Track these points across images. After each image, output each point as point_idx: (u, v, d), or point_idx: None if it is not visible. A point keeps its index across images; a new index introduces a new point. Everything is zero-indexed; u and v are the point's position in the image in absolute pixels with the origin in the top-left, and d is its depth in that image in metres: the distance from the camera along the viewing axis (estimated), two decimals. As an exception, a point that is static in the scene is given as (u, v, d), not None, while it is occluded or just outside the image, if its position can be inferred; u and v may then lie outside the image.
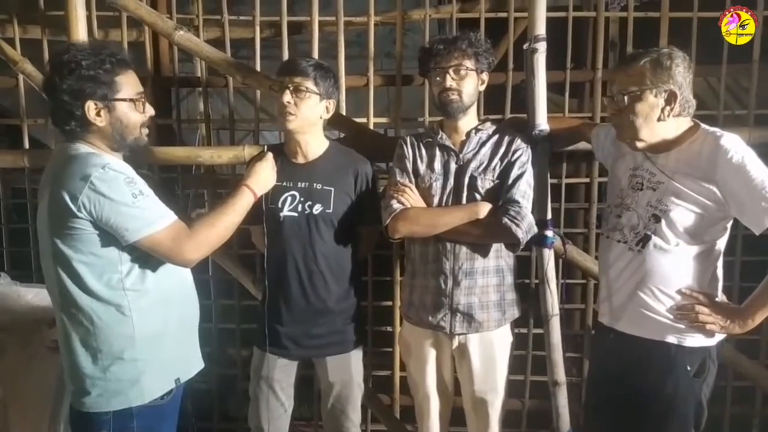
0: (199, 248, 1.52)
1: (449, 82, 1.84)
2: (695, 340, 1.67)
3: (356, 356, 2.02)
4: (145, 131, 1.57)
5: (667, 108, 1.60)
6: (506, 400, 2.01)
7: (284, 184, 1.90)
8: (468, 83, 1.86)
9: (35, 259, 2.61)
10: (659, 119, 1.61)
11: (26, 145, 2.60)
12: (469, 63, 1.85)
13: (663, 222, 1.64)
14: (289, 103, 1.83)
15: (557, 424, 2.35)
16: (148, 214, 1.45)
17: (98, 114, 1.47)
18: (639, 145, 1.66)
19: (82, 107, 1.45)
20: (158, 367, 1.55)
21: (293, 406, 2.06)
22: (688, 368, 1.67)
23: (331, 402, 2.02)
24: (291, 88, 1.84)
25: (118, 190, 1.41)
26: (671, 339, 1.67)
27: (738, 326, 1.62)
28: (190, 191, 2.72)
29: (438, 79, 1.87)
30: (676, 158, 1.64)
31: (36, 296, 2.12)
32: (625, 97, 1.61)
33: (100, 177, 1.40)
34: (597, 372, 1.95)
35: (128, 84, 1.51)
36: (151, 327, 1.53)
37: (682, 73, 1.59)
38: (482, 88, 1.94)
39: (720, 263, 1.70)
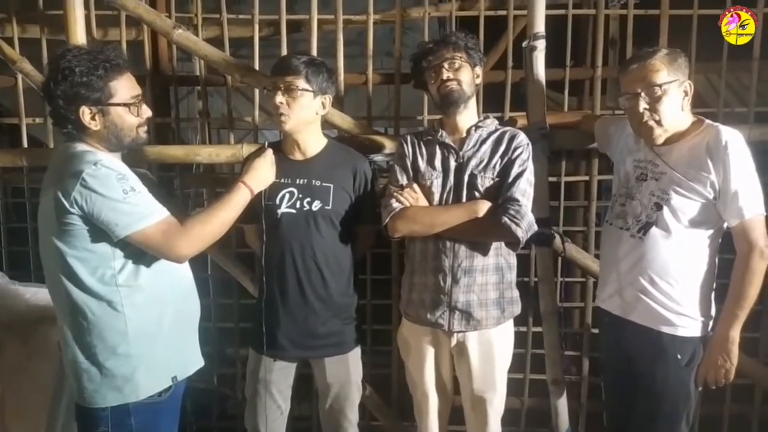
0: (191, 244, 1.52)
1: (446, 74, 1.84)
2: (687, 331, 1.74)
3: (354, 357, 2.01)
4: (144, 131, 1.58)
5: (686, 99, 1.70)
6: (506, 398, 2.00)
7: (282, 180, 1.88)
8: (464, 73, 1.86)
9: (33, 259, 2.61)
10: (682, 109, 1.71)
11: (25, 144, 2.60)
12: (461, 55, 1.86)
13: (664, 210, 1.71)
14: (281, 103, 1.81)
15: (556, 422, 2.35)
16: (139, 210, 1.46)
17: (92, 118, 1.49)
18: (663, 138, 1.72)
19: (77, 112, 1.47)
20: (153, 363, 1.55)
21: (291, 406, 2.05)
22: (679, 357, 1.74)
23: (329, 402, 2.01)
24: (282, 88, 1.82)
25: (110, 186, 1.43)
26: (665, 329, 1.74)
27: (729, 354, 1.69)
28: (190, 190, 2.71)
29: (434, 75, 1.87)
30: (679, 149, 1.72)
31: (34, 295, 2.13)
32: (656, 89, 1.66)
33: (92, 173, 1.42)
34: (603, 354, 2.06)
35: (123, 88, 1.51)
36: (145, 323, 1.53)
37: (687, 69, 1.71)
38: (478, 81, 1.93)
39: (715, 251, 1.76)
